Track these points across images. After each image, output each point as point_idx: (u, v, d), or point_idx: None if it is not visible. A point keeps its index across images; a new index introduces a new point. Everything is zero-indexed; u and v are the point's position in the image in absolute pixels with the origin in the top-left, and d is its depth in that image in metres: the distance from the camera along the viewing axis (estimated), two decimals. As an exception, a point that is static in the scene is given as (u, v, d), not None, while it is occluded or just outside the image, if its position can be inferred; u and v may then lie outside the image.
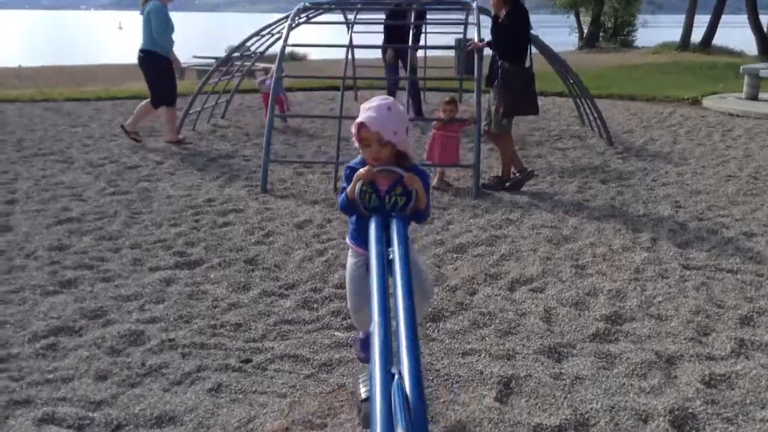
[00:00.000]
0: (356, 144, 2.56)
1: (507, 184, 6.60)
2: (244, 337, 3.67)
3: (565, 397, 3.09)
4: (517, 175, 6.63)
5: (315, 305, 4.06)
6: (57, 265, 4.64)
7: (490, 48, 6.60)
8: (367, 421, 2.86)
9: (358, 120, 2.44)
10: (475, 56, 6.88)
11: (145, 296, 4.15)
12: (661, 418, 2.92)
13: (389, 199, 2.54)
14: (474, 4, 8.13)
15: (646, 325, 3.80)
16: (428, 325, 3.81)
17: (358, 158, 2.64)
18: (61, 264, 4.66)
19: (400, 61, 10.19)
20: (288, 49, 8.48)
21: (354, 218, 2.72)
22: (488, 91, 6.72)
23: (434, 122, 6.91)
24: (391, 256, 1.97)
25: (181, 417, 2.96)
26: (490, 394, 3.14)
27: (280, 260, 4.74)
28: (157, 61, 8.36)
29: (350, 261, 2.86)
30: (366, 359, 2.98)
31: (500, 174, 6.75)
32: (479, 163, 6.53)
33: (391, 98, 2.56)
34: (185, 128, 9.36)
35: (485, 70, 6.81)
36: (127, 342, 3.61)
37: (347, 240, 2.87)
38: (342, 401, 3.10)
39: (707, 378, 3.26)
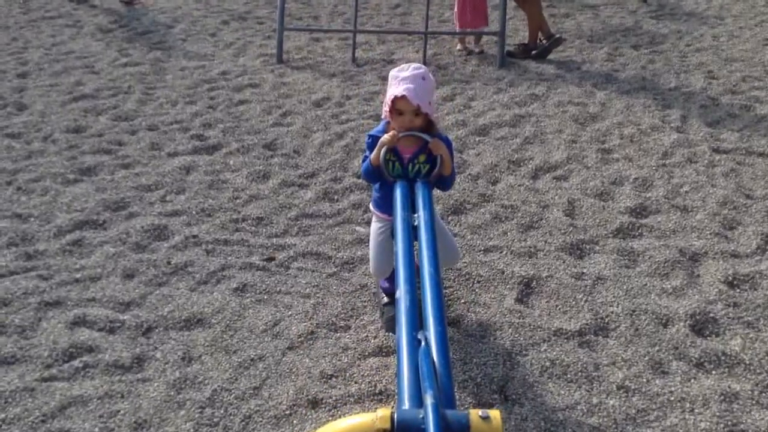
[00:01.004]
0: (385, 113, 2.48)
1: (533, 52, 6.30)
2: (266, 233, 3.69)
3: (586, 300, 3.12)
4: (544, 42, 6.31)
5: (335, 196, 4.04)
6: (75, 149, 4.61)
7: None
8: (389, 324, 2.93)
9: (398, 93, 2.36)
10: None
11: (166, 186, 4.14)
12: (682, 323, 2.95)
13: (412, 167, 2.49)
14: None
15: (671, 219, 3.75)
16: (450, 218, 3.79)
17: (380, 126, 2.59)
18: (79, 148, 4.62)
19: None
20: None
21: (377, 185, 2.68)
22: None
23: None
24: (416, 222, 1.91)
25: (209, 319, 3.04)
26: (511, 294, 3.18)
27: (298, 144, 4.67)
28: None
29: (374, 226, 2.83)
30: (388, 291, 3.00)
31: (527, 41, 6.44)
32: (505, 29, 6.21)
33: (423, 66, 2.48)
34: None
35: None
36: (151, 237, 3.64)
37: (371, 207, 2.83)
38: (364, 302, 3.15)
39: (730, 278, 3.25)
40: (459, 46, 6.52)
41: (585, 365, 2.74)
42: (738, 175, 4.23)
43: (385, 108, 2.47)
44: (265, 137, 4.77)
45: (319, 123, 5.00)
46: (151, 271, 3.37)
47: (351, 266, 3.42)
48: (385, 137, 2.46)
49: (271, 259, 3.46)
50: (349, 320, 3.05)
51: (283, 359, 2.81)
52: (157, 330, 2.98)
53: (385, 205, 2.58)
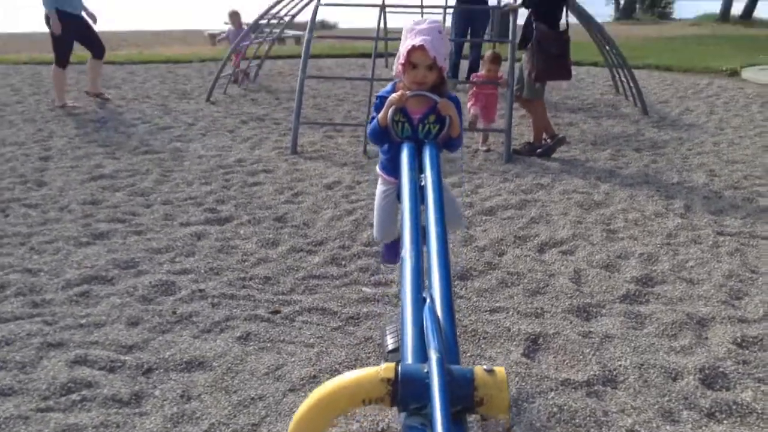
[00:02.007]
0: (397, 69, 2.47)
1: (539, 150, 6.52)
2: (272, 290, 3.70)
3: (594, 354, 3.08)
4: (548, 141, 6.54)
5: (343, 262, 4.07)
6: (90, 218, 4.71)
7: (526, 7, 6.47)
8: None
9: (416, 42, 2.34)
10: (510, 17, 6.76)
11: (176, 249, 4.20)
12: (691, 376, 2.89)
13: (423, 127, 2.47)
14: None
15: (678, 288, 3.75)
16: (456, 283, 3.80)
17: (388, 87, 2.58)
18: (94, 217, 4.72)
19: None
20: (318, 17, 8.42)
21: (385, 147, 2.67)
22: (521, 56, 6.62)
23: (470, 84, 6.91)
24: (423, 183, 1.94)
25: (210, 362, 3.01)
26: (518, 349, 3.14)
27: (308, 218, 4.76)
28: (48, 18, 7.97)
29: (379, 189, 2.84)
30: (390, 261, 2.98)
31: (531, 140, 6.67)
32: (511, 128, 6.46)
33: (438, 21, 2.47)
34: (217, 91, 9.38)
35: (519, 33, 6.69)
36: (158, 291, 3.66)
37: (377, 169, 2.84)
38: (369, 353, 3.12)
39: (739, 339, 3.21)
40: (483, 147, 6.76)
41: (593, 411, 2.66)
42: (743, 254, 4.25)
43: (399, 61, 2.44)
44: (276, 212, 4.87)
45: (329, 202, 5.12)
46: (156, 319, 3.36)
47: (356, 321, 3.40)
48: (394, 96, 2.45)
49: (276, 312, 3.46)
50: (352, 368, 3.00)
51: (284, 400, 2.75)
52: (157, 371, 2.94)
53: (392, 167, 2.59)
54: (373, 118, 2.56)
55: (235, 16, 10.73)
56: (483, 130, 6.75)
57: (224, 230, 4.53)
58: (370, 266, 3.97)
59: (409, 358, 1.46)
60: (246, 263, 4.03)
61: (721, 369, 2.95)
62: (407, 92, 2.44)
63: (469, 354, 3.10)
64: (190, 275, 3.85)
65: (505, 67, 6.96)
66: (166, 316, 3.39)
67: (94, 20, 8.37)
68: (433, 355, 1.41)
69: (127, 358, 3.01)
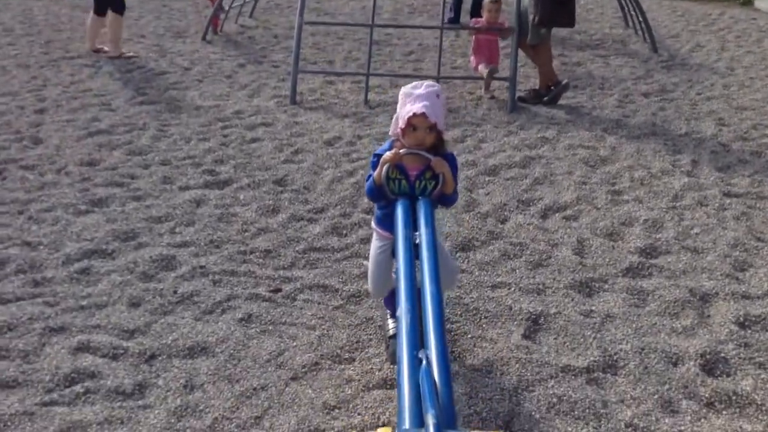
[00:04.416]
0: (395, 131, 2.52)
1: (545, 98, 6.36)
2: (273, 265, 3.68)
3: (595, 337, 3.08)
4: (552, 88, 6.38)
5: (344, 231, 4.04)
6: (88, 182, 4.65)
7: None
8: (394, 357, 2.89)
9: (417, 110, 2.39)
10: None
11: (176, 218, 4.16)
12: (692, 362, 2.90)
13: (419, 183, 2.51)
14: None
15: (682, 259, 3.72)
16: (458, 254, 3.78)
17: (386, 145, 2.61)
18: (92, 181, 4.67)
19: None
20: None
21: (382, 202, 2.69)
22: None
23: (470, 30, 6.69)
24: (417, 240, 1.91)
25: (212, 348, 3.02)
26: (518, 330, 3.14)
27: (309, 181, 4.70)
28: None
29: (374, 245, 2.84)
30: (392, 310, 2.98)
31: (537, 87, 6.51)
32: (516, 75, 6.29)
33: (436, 84, 2.52)
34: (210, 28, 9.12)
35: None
36: (159, 267, 3.64)
37: (372, 224, 2.84)
38: (370, 335, 3.12)
39: (741, 319, 3.20)
40: (486, 94, 6.60)
41: (593, 402, 2.68)
42: (749, 218, 4.20)
43: (399, 125, 2.48)
44: (276, 173, 4.81)
45: (330, 161, 5.04)
46: (157, 300, 3.36)
47: (357, 299, 3.40)
48: (387, 155, 2.48)
49: (277, 290, 3.45)
50: (353, 352, 3.01)
51: (286, 389, 2.77)
52: (160, 358, 2.96)
53: (388, 223, 2.58)
54: (369, 176, 2.55)
55: None
56: (486, 78, 6.56)
57: (223, 195, 4.48)
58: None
59: (406, 422, 1.44)
60: (246, 234, 3.99)
61: (722, 354, 2.95)
62: (401, 150, 2.47)
63: (470, 335, 3.11)
64: (191, 248, 3.83)
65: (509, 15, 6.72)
66: (168, 296, 3.38)
67: None
68: (430, 420, 1.39)
69: (129, 344, 3.02)
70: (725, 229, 4.06)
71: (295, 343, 3.06)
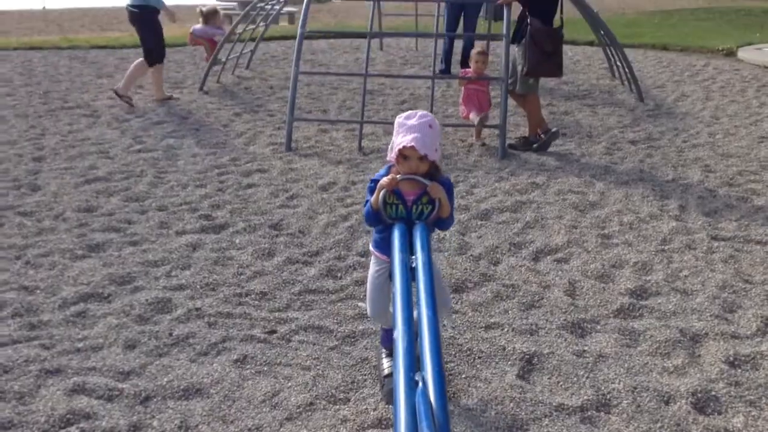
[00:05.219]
0: (390, 158, 2.58)
1: (534, 145, 6.50)
2: (268, 307, 3.72)
3: (588, 376, 3.11)
4: (543, 136, 6.52)
5: (339, 274, 4.09)
6: (85, 227, 4.70)
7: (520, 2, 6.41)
8: (389, 396, 2.91)
9: (407, 143, 2.46)
10: (504, 11, 6.69)
11: (172, 262, 4.20)
12: (684, 400, 2.93)
13: (416, 208, 2.56)
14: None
15: (671, 301, 3.78)
16: (452, 296, 3.82)
17: (382, 170, 2.68)
18: (89, 226, 4.72)
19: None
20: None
21: (380, 226, 2.74)
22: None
23: (460, 80, 6.87)
24: (414, 264, 1.96)
25: (207, 389, 3.03)
26: (512, 370, 3.17)
27: (304, 225, 4.76)
28: (151, 15, 8.05)
29: (372, 268, 2.89)
30: (389, 347, 3.02)
31: (527, 134, 6.65)
32: (506, 123, 6.43)
33: (429, 114, 2.59)
34: (210, 79, 9.30)
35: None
36: (155, 310, 3.67)
37: (370, 247, 2.90)
38: (365, 375, 3.14)
39: (731, 358, 3.24)
40: (477, 141, 6.73)
41: (586, 440, 2.70)
42: (737, 261, 4.27)
43: (392, 154, 2.55)
44: (272, 218, 4.87)
45: (324, 206, 5.11)
46: (153, 342, 3.38)
47: (353, 340, 3.43)
48: (384, 180, 2.54)
49: (272, 332, 3.48)
50: (348, 392, 3.03)
51: (281, 430, 2.78)
52: (155, 399, 2.97)
53: (386, 246, 2.63)
54: (367, 201, 2.62)
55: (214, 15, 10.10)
56: (477, 125, 6.71)
57: (220, 239, 4.53)
58: (365, 279, 3.98)
59: (403, 445, 1.48)
60: (242, 277, 4.03)
61: (713, 392, 2.98)
62: (397, 176, 2.53)
63: (464, 375, 3.13)
64: (186, 291, 3.86)
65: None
66: (163, 338, 3.40)
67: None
68: (426, 442, 1.43)
69: (124, 385, 3.03)
70: (713, 271, 4.13)
71: (290, 384, 3.07)
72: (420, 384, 1.52)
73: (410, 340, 1.58)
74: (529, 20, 6.17)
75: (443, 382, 1.54)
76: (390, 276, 2.33)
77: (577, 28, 11.73)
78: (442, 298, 2.82)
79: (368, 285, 2.94)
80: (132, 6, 8.04)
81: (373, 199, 2.56)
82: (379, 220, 2.61)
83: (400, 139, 2.49)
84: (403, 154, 2.52)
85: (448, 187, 2.59)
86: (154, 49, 8.20)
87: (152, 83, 8.54)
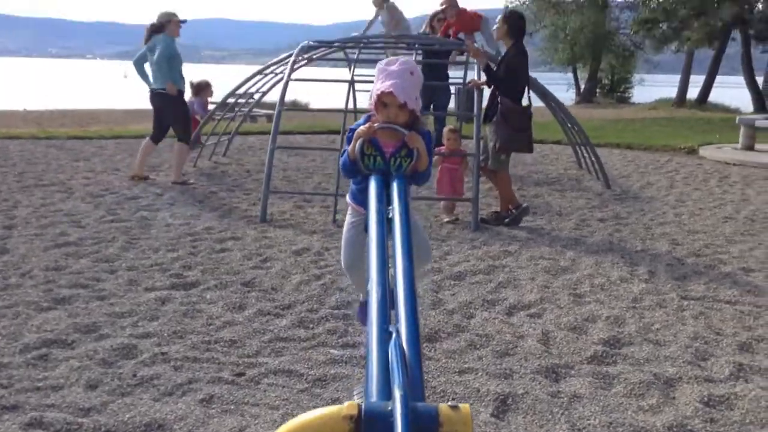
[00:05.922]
0: (370, 106, 2.55)
1: (506, 220, 6.61)
2: (238, 353, 3.63)
3: (563, 414, 3.05)
4: (513, 211, 6.64)
5: (311, 324, 4.03)
6: (52, 283, 4.62)
7: (489, 86, 6.71)
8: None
9: (385, 88, 2.42)
10: (475, 93, 6.98)
11: (140, 314, 4.12)
12: (660, 435, 2.88)
13: (395, 161, 2.52)
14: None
15: (645, 350, 3.77)
16: (424, 344, 3.77)
17: (362, 119, 2.63)
18: (57, 283, 4.63)
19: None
20: (290, 97, 8.50)
21: (356, 178, 2.71)
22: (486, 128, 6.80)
23: (435, 157, 7.03)
24: (390, 215, 1.96)
25: (170, 425, 2.91)
26: (487, 410, 3.10)
27: (277, 283, 4.72)
28: (175, 98, 8.26)
29: (348, 219, 2.87)
30: (365, 322, 2.96)
31: (498, 210, 6.78)
32: (478, 196, 6.56)
33: (411, 60, 2.56)
34: (187, 163, 9.40)
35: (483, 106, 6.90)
36: (119, 355, 3.57)
37: (347, 198, 2.87)
38: (336, 414, 3.04)
39: (706, 398, 3.22)
40: (446, 218, 6.82)
41: (563, 469, 2.62)
42: (707, 317, 4.30)
43: (371, 101, 2.51)
44: (244, 277, 4.83)
45: (298, 267, 5.09)
46: (116, 382, 3.26)
47: (323, 383, 3.34)
48: (361, 129, 2.50)
49: (240, 374, 3.38)
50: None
51: (247, 462, 2.66)
52: (115, 434, 2.84)
53: (361, 196, 2.59)
54: (344, 151, 2.60)
55: (205, 89, 10.46)
56: (451, 199, 6.83)
57: (190, 295, 4.47)
58: (338, 328, 3.93)
59: (374, 395, 1.44)
60: (211, 327, 3.96)
61: (689, 427, 2.94)
62: (375, 125, 2.50)
63: (437, 415, 3.05)
64: (153, 339, 3.77)
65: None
66: (127, 379, 3.29)
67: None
68: (397, 393, 1.40)
69: (84, 420, 2.90)
70: (685, 325, 4.15)
71: (257, 421, 2.97)
72: (394, 335, 1.50)
73: (384, 291, 1.57)
74: (499, 99, 6.43)
75: (417, 334, 1.52)
76: (365, 227, 2.26)
77: (544, 128, 12.16)
78: (422, 250, 2.77)
79: (343, 235, 2.88)
80: (153, 90, 8.22)
81: (350, 148, 2.53)
82: (355, 170, 2.55)
83: (379, 85, 2.45)
84: (382, 101, 2.48)
85: (427, 139, 2.54)
86: (183, 129, 8.35)
87: (174, 165, 8.50)
